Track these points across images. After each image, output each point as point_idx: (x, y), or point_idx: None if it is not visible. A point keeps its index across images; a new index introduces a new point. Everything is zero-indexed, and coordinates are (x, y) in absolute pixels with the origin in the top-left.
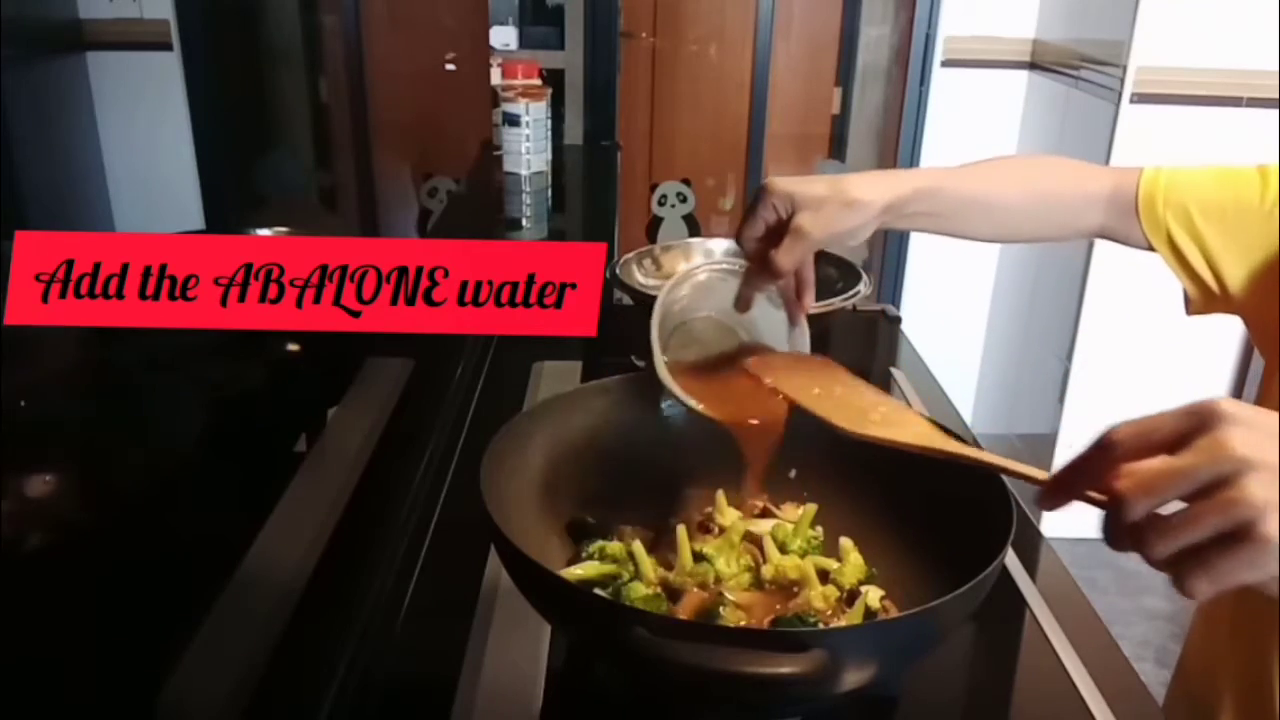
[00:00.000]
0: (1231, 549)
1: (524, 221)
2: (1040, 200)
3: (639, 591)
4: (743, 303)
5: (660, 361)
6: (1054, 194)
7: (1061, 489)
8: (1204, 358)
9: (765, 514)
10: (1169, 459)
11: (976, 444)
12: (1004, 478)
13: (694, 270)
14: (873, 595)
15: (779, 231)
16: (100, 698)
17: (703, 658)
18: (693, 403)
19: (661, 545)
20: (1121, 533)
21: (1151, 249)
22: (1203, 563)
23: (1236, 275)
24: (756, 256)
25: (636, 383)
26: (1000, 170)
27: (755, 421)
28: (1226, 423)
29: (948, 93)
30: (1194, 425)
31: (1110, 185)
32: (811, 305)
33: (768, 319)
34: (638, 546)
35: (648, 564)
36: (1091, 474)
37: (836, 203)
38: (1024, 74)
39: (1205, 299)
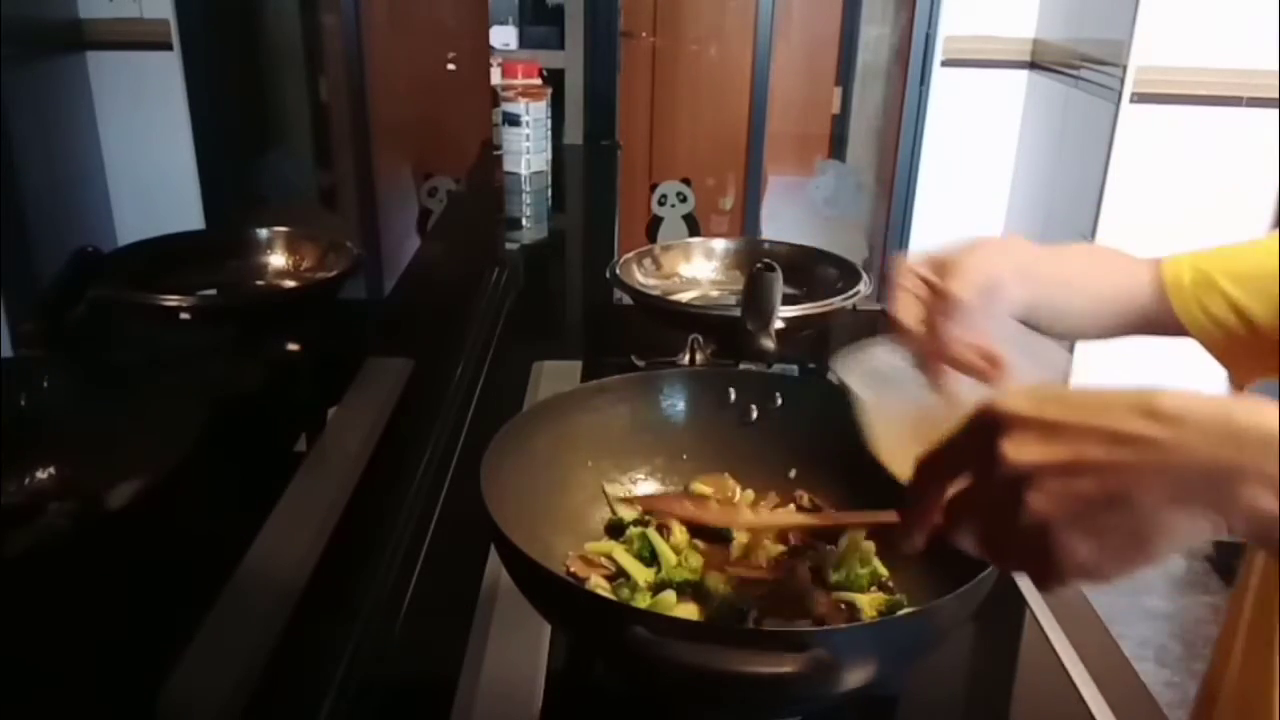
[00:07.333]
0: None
1: (524, 221)
2: (1122, 276)
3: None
4: (946, 394)
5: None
6: (1121, 274)
7: (911, 527)
8: (1202, 359)
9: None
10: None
11: None
12: None
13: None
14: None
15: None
16: (100, 697)
17: (703, 658)
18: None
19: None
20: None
21: (1183, 332)
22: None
23: (1270, 323)
24: (923, 339)
25: (636, 382)
26: (1077, 253)
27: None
28: (999, 433)
29: (948, 93)
30: (976, 437)
31: (1149, 268)
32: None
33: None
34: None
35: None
36: (927, 505)
37: (971, 248)
38: (1024, 74)
39: (1240, 363)
